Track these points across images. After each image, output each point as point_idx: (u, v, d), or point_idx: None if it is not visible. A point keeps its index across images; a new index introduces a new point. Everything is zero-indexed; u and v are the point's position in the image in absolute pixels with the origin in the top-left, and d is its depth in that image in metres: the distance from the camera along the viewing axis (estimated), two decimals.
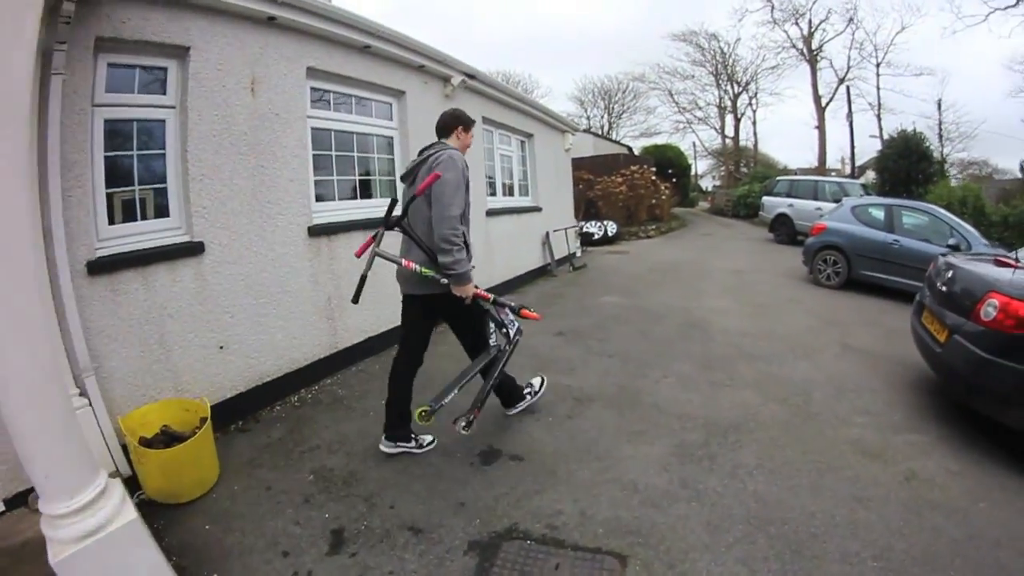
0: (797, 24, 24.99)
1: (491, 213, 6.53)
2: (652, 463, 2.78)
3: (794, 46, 25.57)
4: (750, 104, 30.77)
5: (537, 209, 8.04)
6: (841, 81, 24.45)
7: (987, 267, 3.49)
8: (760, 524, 2.29)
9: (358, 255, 2.71)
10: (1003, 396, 2.90)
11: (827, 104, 25.16)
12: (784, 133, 56.72)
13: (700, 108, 32.51)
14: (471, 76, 5.86)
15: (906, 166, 13.07)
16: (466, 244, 2.66)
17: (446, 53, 5.33)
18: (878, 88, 24.26)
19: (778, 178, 15.53)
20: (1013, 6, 14.83)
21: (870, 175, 23.62)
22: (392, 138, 5.00)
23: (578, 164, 14.73)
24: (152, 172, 3.05)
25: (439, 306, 2.77)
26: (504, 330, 2.99)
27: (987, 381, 2.95)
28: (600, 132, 28.20)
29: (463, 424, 2.79)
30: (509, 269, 7.02)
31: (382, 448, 2.89)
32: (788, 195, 13.36)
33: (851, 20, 23.68)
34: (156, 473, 2.43)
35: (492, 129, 7.11)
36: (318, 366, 3.94)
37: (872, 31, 26.55)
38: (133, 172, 2.97)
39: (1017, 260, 3.47)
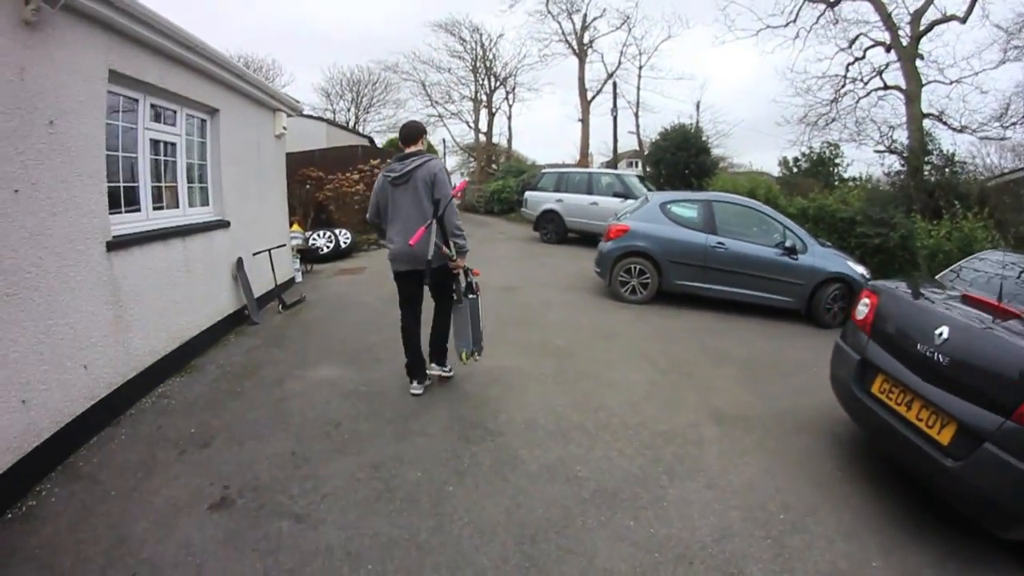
0: (571, 18, 25.49)
1: (121, 244, 3.70)
2: None
3: (565, 38, 26.03)
4: (506, 99, 31.17)
5: (222, 225, 5.23)
6: (610, 76, 25.55)
7: (1007, 326, 2.28)
8: None
9: (412, 244, 3.35)
10: None
11: (593, 98, 26.05)
12: (534, 132, 60.97)
13: (454, 102, 31.75)
14: None
15: (685, 158, 13.21)
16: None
17: None
18: (638, 89, 26.22)
19: (544, 170, 14.52)
20: (784, 26, 16.58)
21: (624, 167, 26.22)
22: None
23: (305, 159, 11.79)
24: None
25: (435, 276, 3.55)
26: (472, 286, 3.88)
27: None
28: (338, 122, 24.57)
29: (476, 356, 3.99)
30: (166, 338, 4.14)
31: (413, 391, 3.76)
32: (556, 189, 12.27)
33: (628, 19, 24.96)
34: None
35: (137, 96, 4.16)
36: None
37: (639, 37, 29.29)
38: None
39: (1000, 301, 2.40)
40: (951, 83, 14.23)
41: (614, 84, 22.40)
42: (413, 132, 3.63)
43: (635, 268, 6.66)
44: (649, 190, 10.76)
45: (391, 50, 56.95)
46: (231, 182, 5.57)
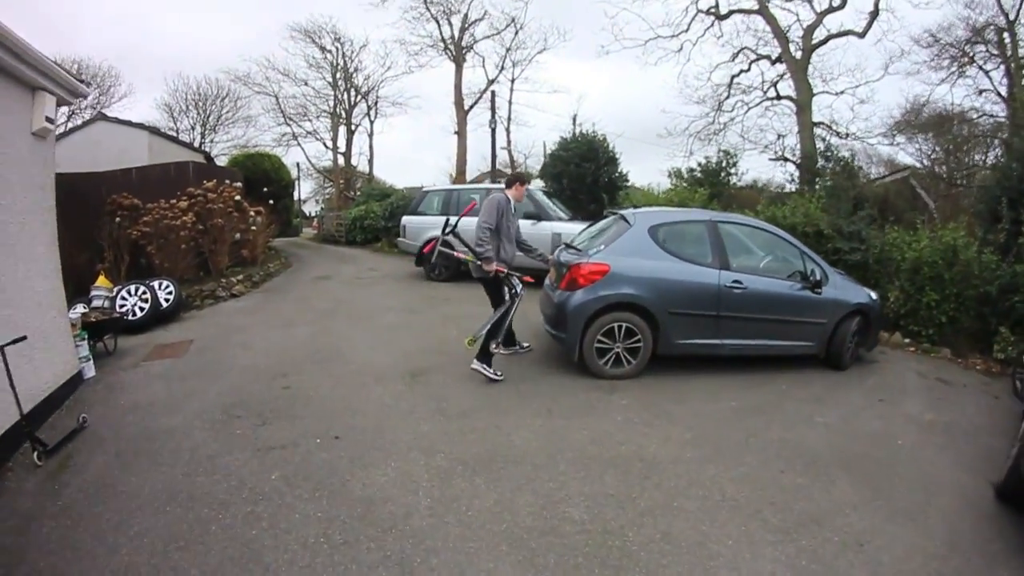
0: (449, 21, 23.14)
1: None
2: None
3: (443, 41, 23.50)
4: (368, 115, 28.01)
5: None
6: (490, 83, 23.71)
7: None
8: None
9: (425, 252, 5.56)
10: None
11: (471, 107, 23.71)
12: (392, 156, 56.45)
13: (310, 119, 27.72)
14: None
15: (592, 170, 11.56)
16: (493, 242, 4.59)
17: None
18: (510, 103, 24.99)
19: (426, 189, 11.75)
20: (672, 36, 16.62)
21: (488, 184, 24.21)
22: None
23: (118, 181, 8.57)
24: None
25: (485, 280, 4.72)
26: (514, 291, 4.63)
27: None
28: (166, 132, 18.95)
29: (496, 347, 4.58)
30: None
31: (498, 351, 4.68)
32: (444, 212, 9.57)
33: (513, 20, 23.33)
34: None
35: None
36: None
37: (515, 48, 27.78)
38: None
39: None
40: (837, 94, 15.47)
41: (492, 93, 20.75)
42: (506, 181, 5.03)
43: (620, 328, 4.62)
44: (560, 209, 9.61)
45: (246, 57, 50.48)
46: None
